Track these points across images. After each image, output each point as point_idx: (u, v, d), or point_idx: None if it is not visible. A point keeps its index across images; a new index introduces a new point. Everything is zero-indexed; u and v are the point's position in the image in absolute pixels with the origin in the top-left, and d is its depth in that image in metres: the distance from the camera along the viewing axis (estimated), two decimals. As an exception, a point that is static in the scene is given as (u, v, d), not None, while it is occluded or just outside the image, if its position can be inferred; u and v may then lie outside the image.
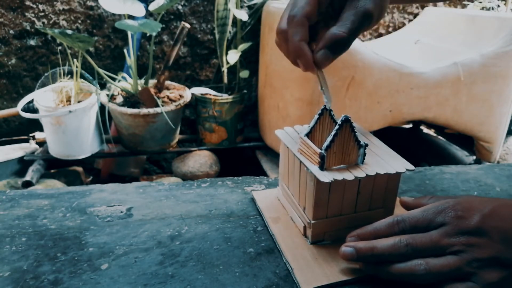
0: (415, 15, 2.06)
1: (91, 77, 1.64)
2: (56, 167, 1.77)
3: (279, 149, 0.50)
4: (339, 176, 0.40)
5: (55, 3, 1.72)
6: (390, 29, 2.06)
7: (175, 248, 0.44)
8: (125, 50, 1.70)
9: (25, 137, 1.80)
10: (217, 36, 1.73)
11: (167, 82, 1.78)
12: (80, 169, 1.81)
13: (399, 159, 0.44)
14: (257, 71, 1.84)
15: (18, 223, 0.49)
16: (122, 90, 1.68)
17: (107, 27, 1.80)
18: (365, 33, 2.04)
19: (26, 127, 1.85)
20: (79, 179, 1.77)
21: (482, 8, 2.00)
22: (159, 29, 1.45)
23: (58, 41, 1.76)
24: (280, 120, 1.61)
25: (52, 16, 1.74)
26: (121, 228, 0.48)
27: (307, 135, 0.44)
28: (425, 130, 2.01)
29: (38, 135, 1.76)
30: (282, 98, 1.56)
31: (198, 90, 1.76)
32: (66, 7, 1.74)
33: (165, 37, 1.87)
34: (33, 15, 1.73)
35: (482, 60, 1.47)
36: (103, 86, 1.77)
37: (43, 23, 1.74)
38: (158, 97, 1.64)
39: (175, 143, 1.79)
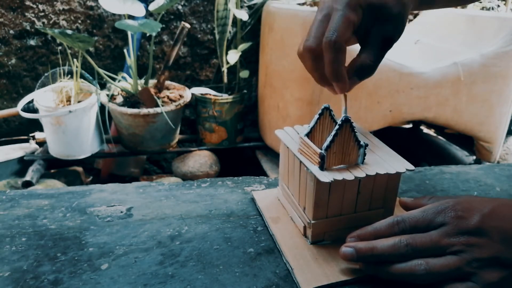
0: (415, 15, 2.06)
1: (91, 77, 1.64)
2: (56, 167, 1.77)
3: (279, 149, 0.50)
4: (339, 176, 0.40)
5: (55, 3, 1.72)
6: (390, 29, 2.06)
7: (175, 248, 0.44)
8: (125, 50, 1.70)
9: (25, 137, 1.80)
10: (217, 36, 1.73)
11: (167, 82, 1.78)
12: (80, 169, 1.81)
13: (399, 159, 0.44)
14: (257, 71, 1.84)
15: (18, 223, 0.49)
16: (122, 90, 1.68)
17: (107, 27, 1.80)
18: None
19: (26, 127, 1.85)
20: (79, 179, 1.77)
21: (482, 8, 2.00)
22: (159, 29, 1.45)
23: (58, 41, 1.76)
24: (280, 120, 1.61)
25: (52, 16, 1.74)
26: (121, 228, 0.48)
27: (307, 135, 0.44)
28: (425, 130, 2.01)
29: (38, 135, 1.76)
30: (282, 98, 1.56)
31: (198, 90, 1.76)
32: (66, 7, 1.74)
33: (165, 37, 1.86)
34: (33, 15, 1.73)
35: (482, 60, 1.47)
36: (103, 86, 1.77)
37: (43, 23, 1.74)
38: (158, 97, 1.64)
39: (175, 143, 1.79)
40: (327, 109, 0.45)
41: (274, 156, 1.76)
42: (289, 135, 0.48)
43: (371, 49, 0.43)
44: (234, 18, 1.73)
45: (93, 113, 1.59)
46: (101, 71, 1.56)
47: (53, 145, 1.61)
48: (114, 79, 1.68)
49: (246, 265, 0.42)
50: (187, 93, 1.73)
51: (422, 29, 1.85)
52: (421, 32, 1.83)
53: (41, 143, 1.75)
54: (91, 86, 1.63)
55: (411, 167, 0.43)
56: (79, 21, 1.77)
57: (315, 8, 1.42)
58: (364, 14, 0.42)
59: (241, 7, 1.79)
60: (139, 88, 1.65)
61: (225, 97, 1.73)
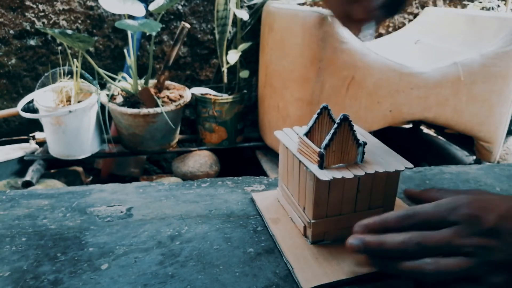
0: (415, 15, 2.06)
1: (91, 77, 1.65)
2: (56, 167, 1.77)
3: (279, 149, 0.50)
4: (338, 174, 0.40)
5: (55, 3, 1.72)
6: (390, 29, 2.06)
7: (175, 248, 0.44)
8: (125, 50, 1.70)
9: (25, 137, 1.80)
10: (217, 36, 1.73)
11: (167, 82, 1.78)
12: (80, 169, 1.81)
13: (398, 157, 0.44)
14: (257, 71, 1.84)
15: (18, 223, 0.49)
16: (122, 90, 1.68)
17: (107, 27, 1.80)
18: (365, 33, 2.04)
19: (26, 127, 1.85)
20: (79, 179, 1.77)
21: (482, 8, 2.00)
22: (159, 29, 1.45)
23: (58, 41, 1.76)
24: (280, 120, 1.61)
25: (52, 16, 1.74)
26: (121, 228, 0.48)
27: (306, 134, 0.44)
28: (425, 130, 2.01)
29: (38, 135, 1.76)
30: (282, 98, 1.56)
31: (198, 90, 1.76)
32: (66, 7, 1.74)
33: (165, 37, 1.87)
34: (33, 15, 1.73)
35: (482, 60, 1.47)
36: (103, 86, 1.77)
37: (43, 23, 1.74)
38: (158, 97, 1.64)
39: (175, 143, 1.79)
40: (325, 109, 0.45)
41: (274, 156, 1.76)
42: (288, 136, 0.48)
43: None
44: (234, 18, 1.73)
45: (93, 113, 1.59)
46: (101, 71, 1.56)
47: (53, 145, 1.61)
48: (114, 79, 1.68)
49: (246, 265, 0.42)
50: (187, 93, 1.73)
51: (422, 29, 1.85)
52: (421, 32, 1.83)
53: (41, 143, 1.75)
54: (91, 86, 1.63)
55: (410, 165, 0.43)
56: (79, 21, 1.77)
57: (315, 8, 1.42)
58: None
59: (241, 7, 1.79)
60: (139, 88, 1.65)
61: (225, 97, 1.73)
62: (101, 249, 0.44)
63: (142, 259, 0.43)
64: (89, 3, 1.75)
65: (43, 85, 1.65)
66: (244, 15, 1.67)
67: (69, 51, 1.66)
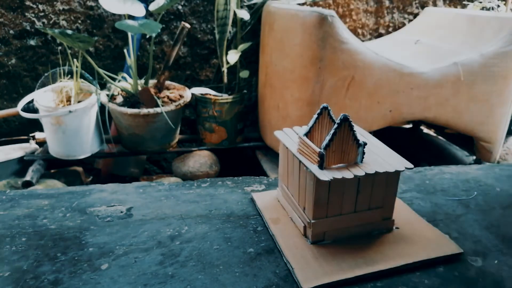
0: (415, 15, 2.06)
1: (91, 77, 1.64)
2: (56, 167, 1.77)
3: (279, 149, 0.50)
4: (338, 174, 0.40)
5: (55, 3, 1.72)
6: (390, 29, 2.06)
7: (175, 248, 0.44)
8: (125, 50, 1.70)
9: (25, 137, 1.80)
10: (217, 36, 1.73)
11: (167, 82, 1.78)
12: (80, 169, 1.81)
13: (398, 158, 0.44)
14: (257, 71, 1.84)
15: (18, 223, 0.49)
16: (122, 90, 1.68)
17: (107, 27, 1.80)
18: (365, 33, 2.04)
19: (26, 127, 1.85)
20: (79, 179, 1.77)
21: (482, 8, 2.00)
22: (159, 30, 1.45)
23: (58, 41, 1.76)
24: (280, 120, 1.61)
25: (52, 16, 1.74)
26: (121, 228, 0.48)
27: (306, 134, 0.44)
28: (425, 130, 2.01)
29: (38, 135, 1.75)
30: (282, 98, 1.56)
31: (198, 90, 1.76)
32: (66, 7, 1.74)
33: (165, 37, 1.87)
34: (33, 15, 1.73)
35: (482, 60, 1.47)
36: (103, 86, 1.77)
37: (43, 23, 1.74)
38: (158, 97, 1.64)
39: (175, 143, 1.79)
40: (325, 109, 0.45)
41: (274, 156, 1.76)
42: (288, 136, 0.48)
43: None
44: (234, 18, 1.73)
45: (93, 113, 1.59)
46: (101, 71, 1.56)
47: (53, 145, 1.61)
48: (114, 79, 1.68)
49: (246, 265, 0.42)
50: (187, 93, 1.73)
51: (422, 29, 1.86)
52: (421, 32, 1.83)
53: (41, 143, 1.75)
54: (91, 86, 1.63)
55: (410, 165, 0.43)
56: (79, 21, 1.77)
57: (315, 8, 1.42)
58: None
59: (241, 7, 1.79)
60: (139, 88, 1.65)
61: (225, 97, 1.73)
62: (101, 249, 0.44)
63: (142, 259, 0.43)
64: (89, 3, 1.75)
65: (43, 85, 1.65)
66: (244, 14, 1.67)
67: (69, 51, 1.66)
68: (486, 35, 1.53)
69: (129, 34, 1.61)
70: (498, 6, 1.99)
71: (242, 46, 1.71)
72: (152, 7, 1.52)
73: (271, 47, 1.59)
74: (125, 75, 1.71)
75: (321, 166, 0.41)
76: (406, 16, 2.06)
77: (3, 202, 0.53)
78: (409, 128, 2.01)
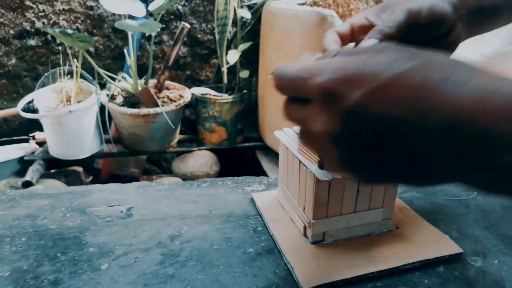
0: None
1: (91, 77, 1.64)
2: (56, 167, 1.77)
3: (279, 149, 0.50)
4: (338, 174, 0.40)
5: (55, 3, 1.72)
6: (390, 29, 2.06)
7: (175, 248, 0.44)
8: (125, 50, 1.70)
9: (25, 137, 1.80)
10: (217, 36, 1.73)
11: (167, 82, 1.78)
12: (80, 169, 1.81)
13: (399, 159, 0.44)
14: (257, 71, 1.84)
15: (18, 223, 0.49)
16: (122, 90, 1.68)
17: (107, 27, 1.80)
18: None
19: (26, 127, 1.85)
20: (79, 179, 1.77)
21: (482, 8, 2.00)
22: (159, 29, 1.45)
23: (58, 41, 1.76)
24: (280, 120, 1.61)
25: (52, 16, 1.74)
26: (121, 228, 0.48)
27: (307, 135, 0.44)
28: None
29: (38, 135, 1.75)
30: (282, 98, 1.56)
31: (198, 90, 1.76)
32: (66, 7, 1.74)
33: (165, 37, 1.87)
34: (33, 15, 1.72)
35: (482, 60, 1.47)
36: (103, 86, 1.77)
37: (43, 23, 1.74)
38: (158, 97, 1.64)
39: (175, 143, 1.79)
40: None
41: (274, 156, 1.76)
42: (288, 136, 0.48)
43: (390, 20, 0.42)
44: (234, 18, 1.73)
45: (93, 113, 1.59)
46: (101, 71, 1.56)
47: (53, 145, 1.61)
48: (114, 79, 1.68)
49: (246, 265, 0.42)
50: (187, 93, 1.73)
51: (422, 29, 1.85)
52: (421, 32, 1.83)
53: (41, 143, 1.75)
54: (91, 86, 1.63)
55: (411, 166, 0.43)
56: (79, 21, 1.77)
57: (315, 8, 1.42)
58: None
59: (241, 7, 1.79)
60: (139, 88, 1.65)
61: (225, 97, 1.73)
62: (101, 249, 0.44)
63: (142, 259, 0.43)
64: (89, 3, 1.75)
65: (43, 85, 1.65)
66: (245, 13, 1.67)
67: (69, 51, 1.66)
68: (486, 35, 1.53)
69: (129, 34, 1.61)
70: (498, 6, 1.99)
71: (242, 46, 1.71)
72: (152, 7, 1.52)
73: (271, 47, 1.59)
74: (125, 75, 1.71)
75: (321, 166, 0.41)
76: (406, 16, 2.05)
77: (3, 202, 0.53)
78: (409, 128, 2.01)
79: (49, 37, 1.77)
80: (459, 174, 0.24)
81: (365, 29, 0.43)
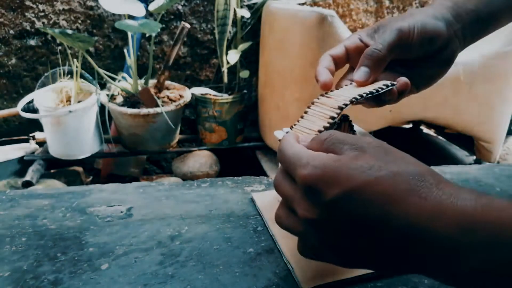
0: (415, 15, 2.06)
1: (91, 77, 1.64)
2: (56, 167, 1.77)
3: (279, 149, 0.50)
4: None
5: (55, 3, 1.72)
6: (390, 29, 2.06)
7: (175, 248, 0.44)
8: (125, 50, 1.70)
9: (25, 137, 1.80)
10: (217, 36, 1.73)
11: (167, 82, 1.78)
12: (80, 169, 1.81)
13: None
14: (257, 71, 1.84)
15: (18, 223, 0.49)
16: (122, 90, 1.68)
17: (107, 27, 1.80)
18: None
19: (26, 127, 1.85)
20: (79, 179, 1.77)
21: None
22: (159, 29, 1.45)
23: (58, 41, 1.76)
24: (280, 120, 1.61)
25: (52, 16, 1.74)
26: (121, 228, 0.48)
27: (307, 135, 0.44)
28: (425, 130, 2.01)
29: (38, 135, 1.75)
30: (282, 98, 1.56)
31: (198, 90, 1.76)
32: (66, 7, 1.74)
33: (165, 37, 1.86)
34: (33, 15, 1.72)
35: (482, 60, 1.47)
36: (103, 86, 1.77)
37: (43, 23, 1.74)
38: (158, 97, 1.64)
39: (175, 143, 1.79)
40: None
41: (274, 156, 1.76)
42: (289, 135, 0.48)
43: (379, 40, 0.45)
44: (234, 18, 1.73)
45: (93, 113, 1.59)
46: (101, 71, 1.56)
47: (53, 145, 1.61)
48: (114, 79, 1.68)
49: (246, 265, 0.42)
50: (187, 93, 1.73)
51: (422, 29, 1.85)
52: (421, 32, 1.82)
53: (41, 143, 1.75)
54: (91, 86, 1.63)
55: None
56: (79, 21, 1.77)
57: (315, 8, 1.42)
58: None
59: (241, 6, 1.79)
60: (139, 88, 1.65)
61: (225, 97, 1.73)
62: (101, 249, 0.44)
63: (142, 259, 0.43)
64: (89, 3, 1.75)
65: (43, 85, 1.65)
66: (245, 13, 1.67)
67: (69, 51, 1.66)
68: (486, 35, 1.53)
69: (129, 34, 1.61)
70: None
71: (242, 46, 1.71)
72: (152, 7, 1.52)
73: (271, 47, 1.59)
74: (125, 75, 1.71)
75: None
76: (406, 16, 2.05)
77: (3, 202, 0.53)
78: (409, 128, 2.01)
79: (49, 37, 1.77)
80: (421, 272, 0.28)
81: (360, 50, 0.44)
